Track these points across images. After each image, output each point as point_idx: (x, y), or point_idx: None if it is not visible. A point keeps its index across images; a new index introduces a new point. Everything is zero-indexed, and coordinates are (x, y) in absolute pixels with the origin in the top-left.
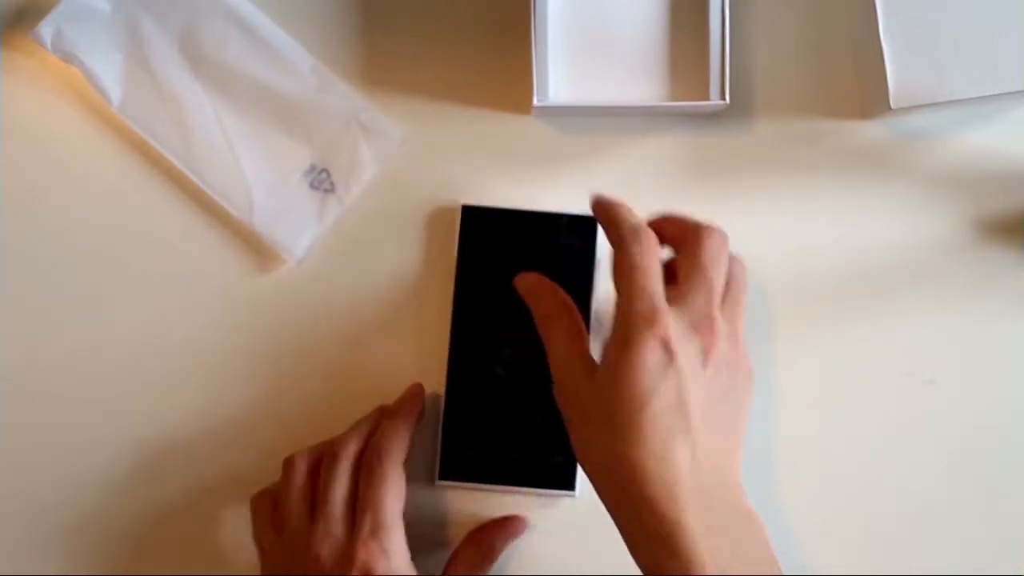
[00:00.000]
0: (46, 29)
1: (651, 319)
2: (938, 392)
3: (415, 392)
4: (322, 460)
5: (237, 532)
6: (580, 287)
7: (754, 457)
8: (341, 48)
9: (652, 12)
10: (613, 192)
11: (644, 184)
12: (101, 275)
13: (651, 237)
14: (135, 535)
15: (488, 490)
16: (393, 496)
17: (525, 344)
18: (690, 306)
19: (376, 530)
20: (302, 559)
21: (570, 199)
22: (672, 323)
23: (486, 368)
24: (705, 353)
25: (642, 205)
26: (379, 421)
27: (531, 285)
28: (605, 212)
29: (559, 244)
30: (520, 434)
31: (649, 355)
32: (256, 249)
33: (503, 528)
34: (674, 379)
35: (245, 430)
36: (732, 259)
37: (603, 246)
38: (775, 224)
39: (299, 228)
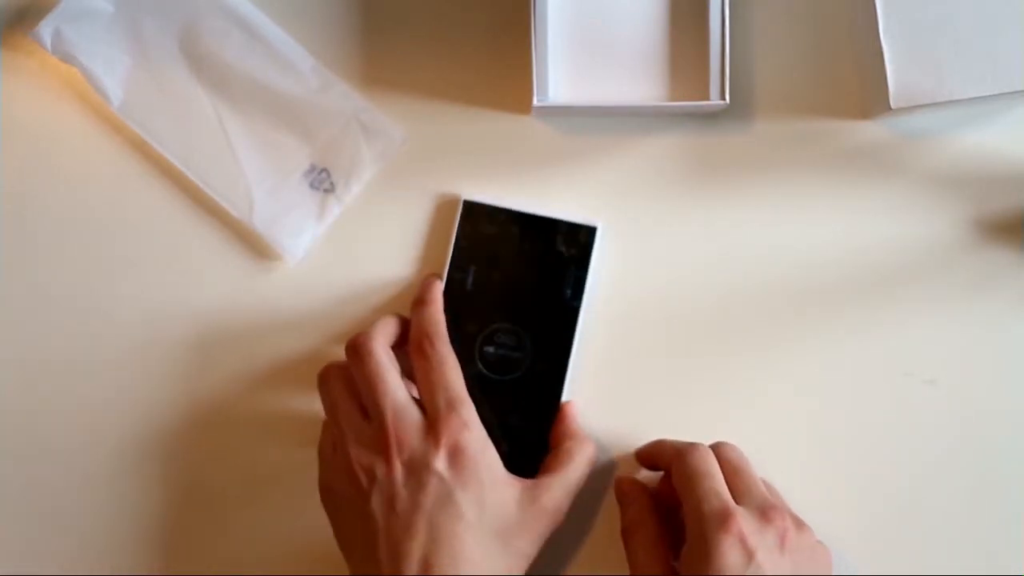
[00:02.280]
0: (46, 29)
1: (724, 519)
2: (938, 392)
3: (434, 279)
4: (353, 365)
5: (237, 529)
6: (572, 297)
7: (754, 457)
8: (341, 48)
9: (652, 12)
10: (613, 192)
11: (644, 184)
12: (100, 275)
13: (705, 447)
14: (134, 534)
15: None
16: (456, 373)
17: (508, 343)
18: (752, 500)
19: (452, 405)
20: (376, 452)
21: (570, 199)
22: (743, 519)
23: (469, 364)
24: (781, 540)
25: (642, 205)
26: (391, 320)
27: (626, 490)
28: (651, 452)
29: (555, 251)
30: (499, 432)
31: (730, 555)
32: (256, 249)
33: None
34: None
35: (245, 430)
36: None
37: (598, 257)
38: (775, 224)
39: (299, 228)
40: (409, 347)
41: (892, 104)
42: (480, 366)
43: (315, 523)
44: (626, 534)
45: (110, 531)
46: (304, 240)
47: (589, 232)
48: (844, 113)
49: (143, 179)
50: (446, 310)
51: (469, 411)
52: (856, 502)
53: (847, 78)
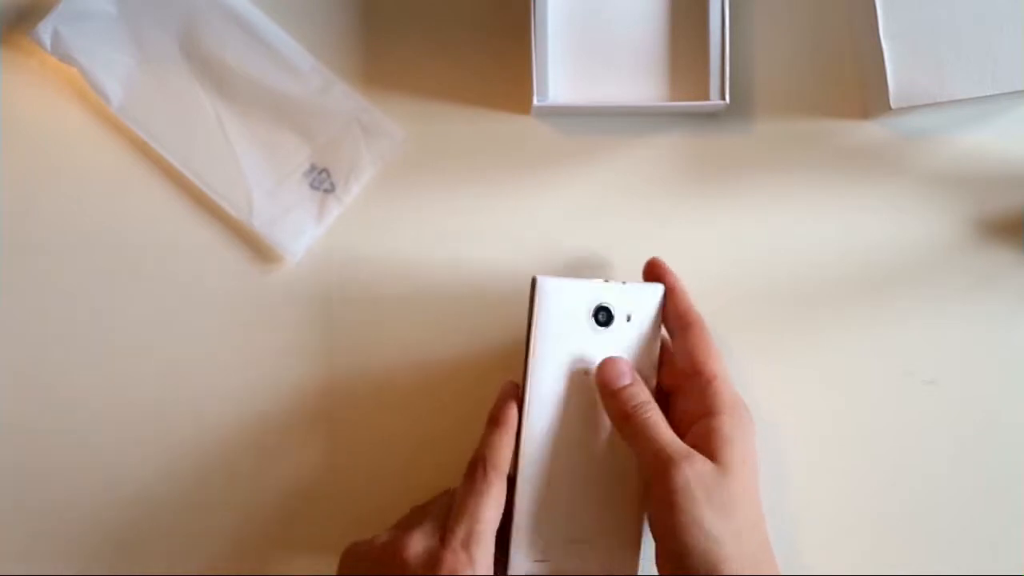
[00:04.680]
0: (45, 30)
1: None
2: (938, 392)
3: (511, 393)
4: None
5: (236, 531)
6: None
7: None
8: (341, 48)
9: (652, 12)
10: (613, 192)
11: (644, 184)
12: (100, 275)
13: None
14: (136, 535)
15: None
16: (492, 509)
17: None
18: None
19: (468, 541)
20: (390, 560)
21: (570, 199)
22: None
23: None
24: None
25: (642, 205)
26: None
27: (624, 369)
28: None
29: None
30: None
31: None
32: (256, 249)
33: None
34: None
35: (244, 430)
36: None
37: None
38: (775, 224)
39: (299, 228)
40: (471, 459)
41: (892, 104)
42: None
43: (314, 523)
44: (636, 413)
45: (110, 531)
46: (304, 240)
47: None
48: (844, 113)
49: (143, 179)
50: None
51: (483, 553)
52: (856, 502)
53: (847, 78)
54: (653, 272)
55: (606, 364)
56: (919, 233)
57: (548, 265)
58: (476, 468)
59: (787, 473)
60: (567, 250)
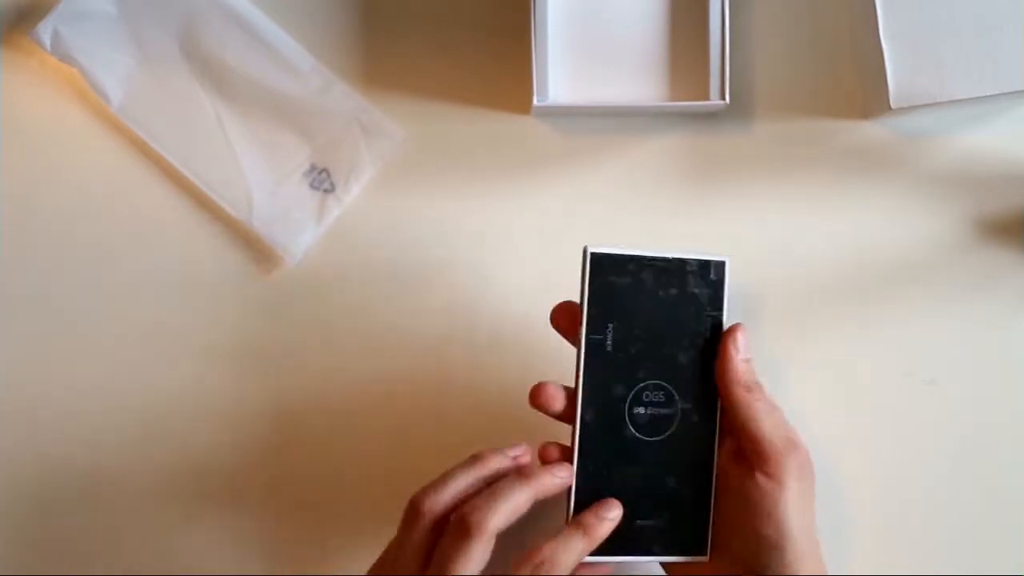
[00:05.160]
0: (45, 30)
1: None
2: (938, 392)
3: (562, 470)
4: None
5: (235, 531)
6: (711, 341)
7: None
8: (341, 48)
9: (652, 12)
10: (613, 192)
11: (644, 184)
12: (100, 275)
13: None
14: (135, 534)
15: (620, 562)
16: (467, 571)
17: (658, 401)
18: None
19: None
20: None
21: (570, 199)
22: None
23: (621, 429)
24: None
25: (642, 205)
26: (476, 479)
27: None
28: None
29: (689, 293)
30: (652, 498)
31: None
32: (256, 249)
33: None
34: None
35: (244, 430)
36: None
37: (729, 288)
38: (775, 224)
39: (299, 228)
40: (457, 511)
41: (892, 104)
42: (632, 430)
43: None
44: (759, 388)
45: (110, 530)
46: (304, 240)
47: (719, 268)
48: (844, 113)
49: (143, 179)
50: (588, 375)
51: None
52: (856, 502)
53: (847, 78)
54: None
55: (738, 331)
56: (919, 233)
57: (548, 265)
58: (461, 525)
59: None
60: (567, 250)
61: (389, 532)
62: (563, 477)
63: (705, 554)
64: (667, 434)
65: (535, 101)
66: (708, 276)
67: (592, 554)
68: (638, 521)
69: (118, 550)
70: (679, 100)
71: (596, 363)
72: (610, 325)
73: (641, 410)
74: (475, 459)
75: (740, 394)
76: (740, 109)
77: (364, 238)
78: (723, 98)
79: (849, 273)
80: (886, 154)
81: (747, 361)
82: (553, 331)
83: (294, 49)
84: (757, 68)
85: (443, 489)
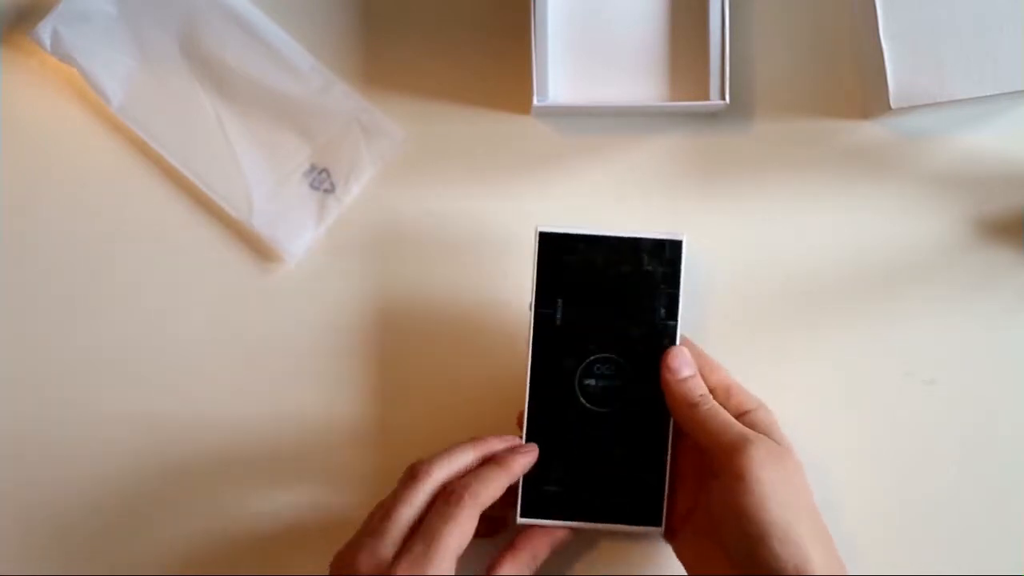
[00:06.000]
0: (44, 30)
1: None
2: (938, 392)
3: (529, 450)
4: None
5: (236, 529)
6: (667, 317)
7: None
8: (341, 48)
9: (652, 12)
10: (613, 192)
11: (644, 184)
12: (100, 275)
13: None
14: (135, 534)
15: (570, 527)
16: (455, 537)
17: (608, 373)
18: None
19: (422, 561)
20: (344, 566)
21: (570, 199)
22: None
23: (571, 401)
24: None
25: (642, 205)
26: (477, 456)
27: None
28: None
29: (643, 270)
30: (603, 467)
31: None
32: (256, 249)
33: (547, 535)
34: None
35: (244, 430)
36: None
37: (686, 270)
38: (775, 224)
39: (298, 228)
40: (449, 483)
41: (892, 104)
42: (582, 400)
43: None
44: (702, 402)
45: (110, 531)
46: (304, 240)
47: (675, 246)
48: (844, 113)
49: (143, 179)
50: (537, 348)
51: (435, 572)
52: (856, 502)
53: (847, 78)
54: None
55: (670, 355)
56: (919, 233)
57: None
58: (460, 495)
59: None
60: None
61: None
62: (530, 458)
63: (660, 525)
64: (618, 406)
65: (535, 101)
66: (663, 255)
67: (544, 518)
68: (589, 490)
69: (118, 550)
70: (679, 100)
71: (546, 336)
72: (559, 300)
73: (592, 382)
74: (477, 439)
75: (683, 412)
76: (740, 109)
77: (364, 238)
78: (723, 98)
79: (849, 273)
80: (886, 154)
81: (684, 380)
82: None
83: (294, 49)
84: (757, 68)
85: (447, 461)
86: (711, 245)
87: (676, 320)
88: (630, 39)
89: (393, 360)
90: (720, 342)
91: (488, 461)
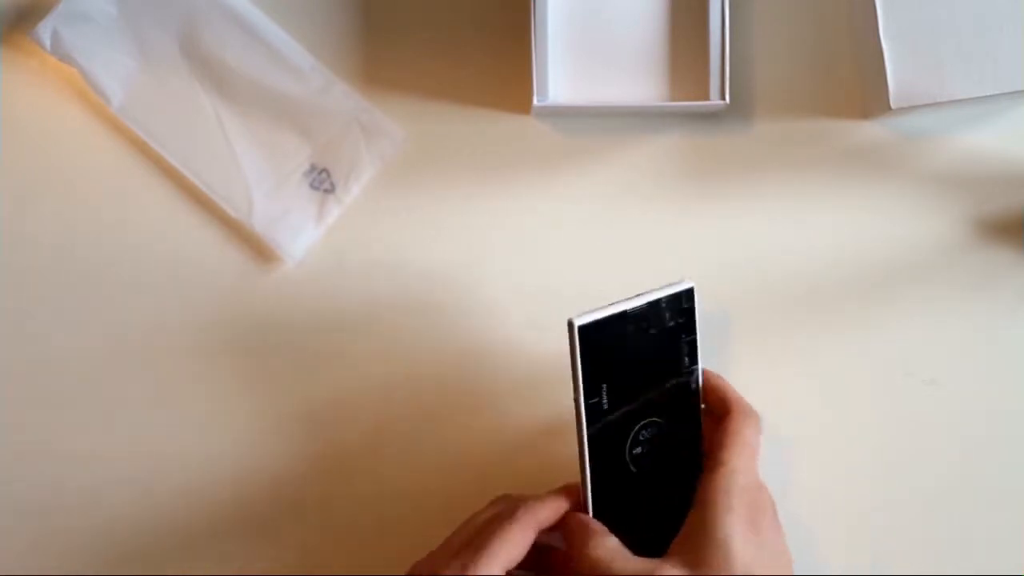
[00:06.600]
0: (44, 30)
1: None
2: (938, 392)
3: (564, 498)
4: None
5: (234, 531)
6: (691, 363)
7: None
8: (341, 48)
9: (652, 12)
10: (613, 192)
11: (644, 184)
12: (100, 275)
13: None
14: (134, 535)
15: None
16: (505, 549)
17: (652, 436)
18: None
19: (468, 566)
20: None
21: (570, 199)
22: None
23: (622, 474)
24: None
25: (642, 205)
26: (547, 507)
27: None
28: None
29: (665, 328)
30: (655, 519)
31: None
32: (256, 249)
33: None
34: None
35: (244, 430)
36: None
37: (699, 313)
38: (775, 224)
39: (298, 228)
40: (500, 508)
41: (892, 104)
42: (633, 469)
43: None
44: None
45: (109, 531)
46: (303, 240)
47: (688, 295)
48: (844, 113)
49: (143, 179)
50: (591, 438)
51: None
52: (856, 502)
53: (847, 78)
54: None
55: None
56: (919, 233)
57: (548, 265)
58: (511, 512)
59: (787, 473)
60: (566, 251)
61: (391, 524)
62: (566, 499)
63: None
64: (661, 458)
65: (535, 101)
66: (680, 306)
67: None
68: (648, 550)
69: (116, 550)
70: (679, 100)
71: (596, 425)
72: (604, 386)
73: (638, 450)
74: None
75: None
76: (740, 109)
77: (364, 238)
78: (723, 98)
79: (849, 273)
80: (886, 154)
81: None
82: (554, 330)
83: (294, 49)
84: (757, 68)
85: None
86: (711, 245)
87: (697, 363)
88: (630, 39)
89: (394, 360)
90: (720, 342)
91: (554, 491)
